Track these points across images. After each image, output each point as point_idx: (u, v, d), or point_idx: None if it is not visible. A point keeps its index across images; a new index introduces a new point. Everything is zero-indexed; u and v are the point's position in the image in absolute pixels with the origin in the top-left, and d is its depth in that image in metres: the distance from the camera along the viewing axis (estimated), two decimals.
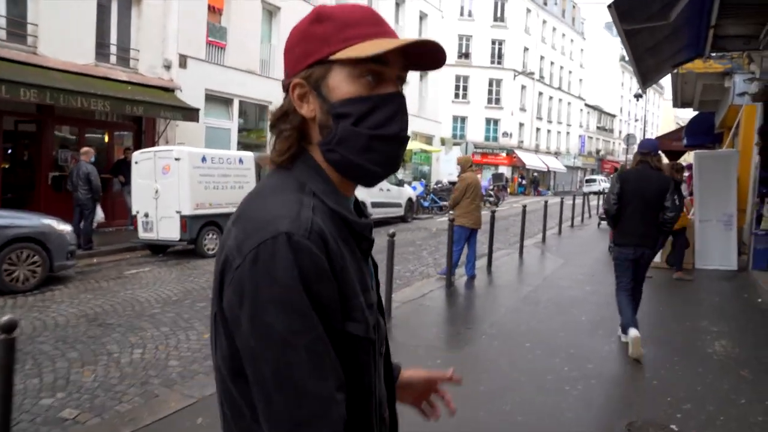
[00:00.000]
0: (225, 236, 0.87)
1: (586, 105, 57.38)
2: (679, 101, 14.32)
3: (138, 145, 13.64)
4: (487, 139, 42.89)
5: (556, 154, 50.43)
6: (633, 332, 4.76)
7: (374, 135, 0.87)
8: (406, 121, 0.91)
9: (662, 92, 74.42)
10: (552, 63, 49.30)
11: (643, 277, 5.20)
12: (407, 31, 26.46)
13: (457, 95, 42.62)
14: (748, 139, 10.92)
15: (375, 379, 0.91)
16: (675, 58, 7.91)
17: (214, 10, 16.26)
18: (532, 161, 43.89)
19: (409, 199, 17.20)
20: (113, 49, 13.67)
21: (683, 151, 17.05)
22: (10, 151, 12.58)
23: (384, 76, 0.88)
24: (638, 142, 8.73)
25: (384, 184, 15.58)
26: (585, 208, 19.94)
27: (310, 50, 0.88)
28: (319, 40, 0.88)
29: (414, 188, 19.68)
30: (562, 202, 16.19)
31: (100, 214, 10.60)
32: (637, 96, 34.32)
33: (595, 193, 35.05)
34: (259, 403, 0.80)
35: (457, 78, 42.44)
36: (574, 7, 53.11)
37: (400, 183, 16.69)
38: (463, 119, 42.71)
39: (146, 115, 12.76)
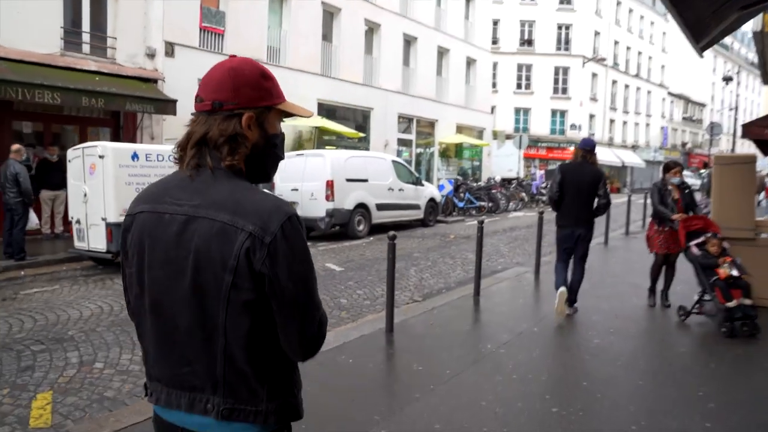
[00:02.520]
0: (217, 231, 1.21)
1: (670, 94, 51.89)
2: None
3: (116, 141, 12.30)
4: (552, 132, 39.35)
5: (634, 147, 45.78)
6: (561, 289, 5.83)
7: (279, 156, 1.41)
8: (283, 149, 1.44)
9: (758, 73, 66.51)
10: (628, 48, 44.71)
11: (582, 254, 6.00)
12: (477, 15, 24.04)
13: (519, 86, 39.38)
14: None
15: None
16: None
17: None
18: (603, 156, 39.77)
19: (431, 200, 14.87)
20: (86, 37, 12.40)
21: None
22: None
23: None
24: (723, 131, 7.82)
25: (396, 183, 13.42)
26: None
27: (264, 96, 1.32)
28: (268, 92, 1.33)
29: (441, 187, 17.30)
30: (629, 202, 13.40)
31: (33, 220, 9.21)
32: (726, 79, 29.85)
33: None
34: (294, 322, 1.24)
35: (519, 67, 39.21)
36: None
37: (417, 181, 14.42)
38: (526, 111, 39.42)
39: (107, 107, 11.35)
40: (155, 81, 13.12)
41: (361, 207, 12.33)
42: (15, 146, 9.16)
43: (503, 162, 29.65)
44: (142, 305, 1.32)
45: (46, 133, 11.72)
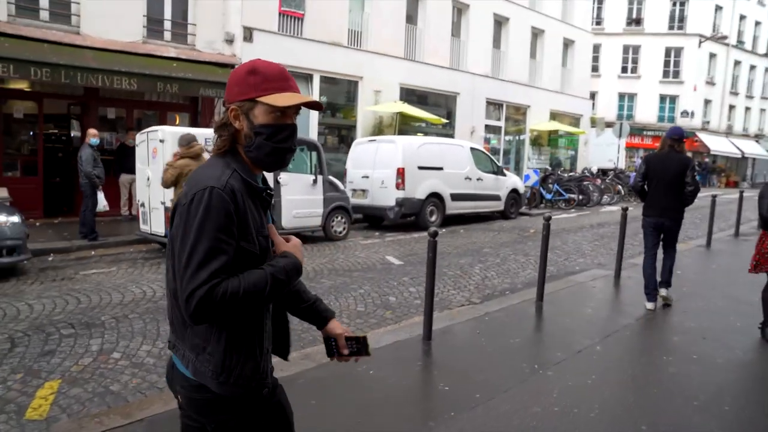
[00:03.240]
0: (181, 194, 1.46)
1: None
2: None
3: (195, 126, 12.54)
4: (661, 119, 36.09)
5: (757, 137, 41.04)
6: (662, 291, 5.89)
7: (275, 146, 1.51)
8: (295, 140, 1.57)
9: None
10: (757, 23, 39.93)
11: (670, 243, 5.87)
12: None
13: (624, 69, 36.46)
14: None
15: None
16: None
17: None
18: (720, 146, 36.04)
19: (514, 191, 13.88)
20: (167, 24, 12.66)
21: None
22: (63, 136, 12.27)
23: (286, 113, 1.52)
24: None
25: (474, 172, 12.61)
26: None
27: (245, 91, 1.49)
28: (250, 86, 1.49)
29: (527, 177, 16.16)
30: (741, 198, 11.73)
31: (101, 202, 9.46)
32: None
33: None
34: (178, 279, 1.39)
35: (625, 49, 36.27)
36: None
37: (498, 171, 13.48)
38: (632, 97, 36.46)
39: (182, 92, 11.52)
40: (233, 66, 13.18)
41: (434, 197, 11.66)
42: (90, 130, 9.44)
43: (603, 151, 27.44)
44: None
45: (128, 118, 12.12)
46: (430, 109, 18.13)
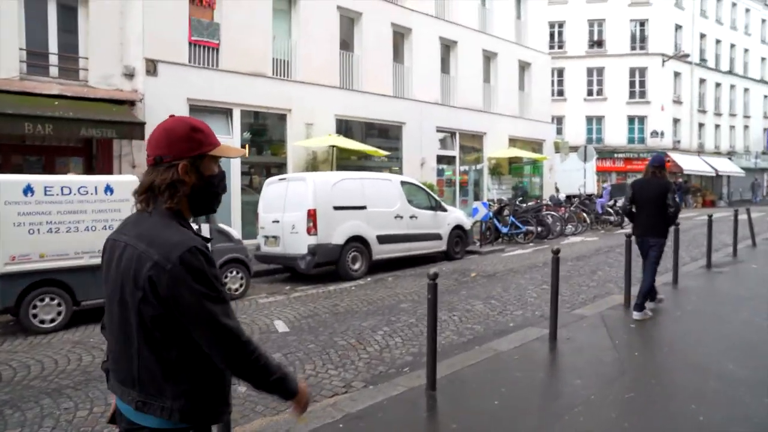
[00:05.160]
0: (136, 257, 1.54)
1: None
2: None
3: (89, 172, 10.96)
4: (631, 141, 35.22)
5: (730, 154, 40.34)
6: (635, 314, 6.41)
7: (219, 193, 1.71)
8: (225, 185, 1.75)
9: None
10: (718, 41, 39.69)
11: (653, 259, 6.51)
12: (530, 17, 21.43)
13: (590, 92, 35.71)
14: None
15: None
16: None
17: (201, 3, 13.24)
18: (693, 165, 35.16)
19: (458, 228, 12.34)
20: (53, 59, 11.17)
21: None
22: None
23: (218, 161, 1.70)
24: None
25: (406, 209, 11.10)
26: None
27: (194, 147, 1.62)
28: (198, 143, 1.63)
29: (475, 211, 14.67)
30: (710, 222, 10.18)
31: None
32: None
33: None
34: (205, 334, 1.54)
35: (589, 71, 35.61)
36: None
37: (436, 206, 11.97)
38: (600, 120, 35.62)
39: (57, 133, 9.90)
40: (133, 102, 11.68)
41: (357, 240, 10.06)
42: None
43: (570, 177, 26.25)
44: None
45: (5, 165, 10.48)
46: (376, 141, 16.76)
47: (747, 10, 42.56)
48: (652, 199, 6.36)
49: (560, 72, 35.71)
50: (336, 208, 9.78)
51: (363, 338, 6.26)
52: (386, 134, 17.56)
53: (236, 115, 13.66)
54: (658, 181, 6.42)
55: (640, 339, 5.86)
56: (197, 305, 1.49)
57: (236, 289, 8.51)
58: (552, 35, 35.30)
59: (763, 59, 44.51)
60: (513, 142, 22.30)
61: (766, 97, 45.02)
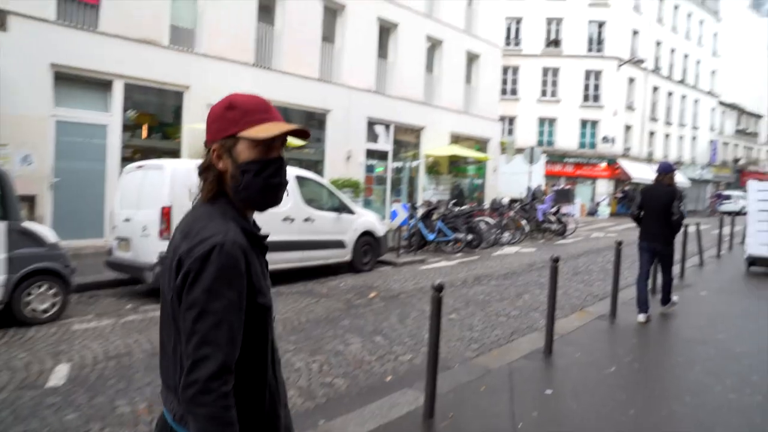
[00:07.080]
0: (176, 246, 1.37)
1: (721, 103, 45.99)
2: None
3: None
4: (582, 145, 34.34)
5: (678, 164, 40.11)
6: (640, 317, 6.57)
7: (265, 183, 1.41)
8: (285, 173, 1.47)
9: None
10: (672, 51, 39.29)
11: (665, 265, 6.81)
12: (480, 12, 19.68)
13: (544, 92, 34.63)
14: None
15: (272, 334, 1.46)
16: None
17: None
18: (642, 173, 34.50)
19: (367, 234, 10.54)
20: None
21: None
22: None
23: (271, 146, 1.42)
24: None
25: (300, 210, 9.18)
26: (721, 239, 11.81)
27: (224, 128, 1.40)
28: (230, 122, 1.39)
29: (394, 214, 12.90)
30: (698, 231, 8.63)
31: None
32: None
33: (730, 213, 25.62)
34: (186, 346, 1.29)
35: (545, 71, 34.52)
36: None
37: (342, 208, 10.12)
38: (552, 122, 34.60)
39: None
40: None
41: None
42: None
43: (516, 180, 24.91)
44: None
45: None
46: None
47: (701, 22, 42.41)
48: (659, 206, 6.48)
49: (515, 70, 34.53)
50: None
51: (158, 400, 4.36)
52: (307, 122, 15.57)
53: (117, 88, 11.42)
54: (665, 189, 6.54)
55: (548, 416, 4.15)
56: (189, 315, 1.30)
57: (45, 310, 6.44)
58: (509, 32, 34.03)
59: (712, 72, 44.57)
60: (455, 139, 20.69)
61: (713, 109, 45.15)
